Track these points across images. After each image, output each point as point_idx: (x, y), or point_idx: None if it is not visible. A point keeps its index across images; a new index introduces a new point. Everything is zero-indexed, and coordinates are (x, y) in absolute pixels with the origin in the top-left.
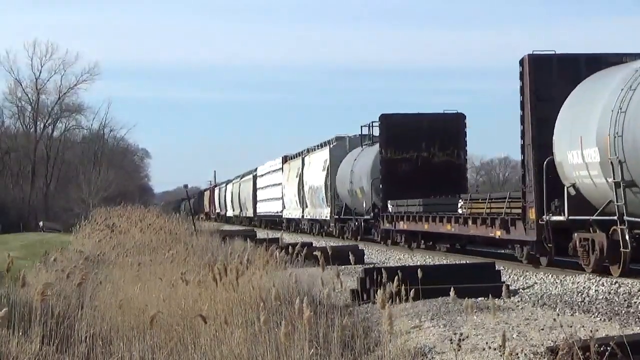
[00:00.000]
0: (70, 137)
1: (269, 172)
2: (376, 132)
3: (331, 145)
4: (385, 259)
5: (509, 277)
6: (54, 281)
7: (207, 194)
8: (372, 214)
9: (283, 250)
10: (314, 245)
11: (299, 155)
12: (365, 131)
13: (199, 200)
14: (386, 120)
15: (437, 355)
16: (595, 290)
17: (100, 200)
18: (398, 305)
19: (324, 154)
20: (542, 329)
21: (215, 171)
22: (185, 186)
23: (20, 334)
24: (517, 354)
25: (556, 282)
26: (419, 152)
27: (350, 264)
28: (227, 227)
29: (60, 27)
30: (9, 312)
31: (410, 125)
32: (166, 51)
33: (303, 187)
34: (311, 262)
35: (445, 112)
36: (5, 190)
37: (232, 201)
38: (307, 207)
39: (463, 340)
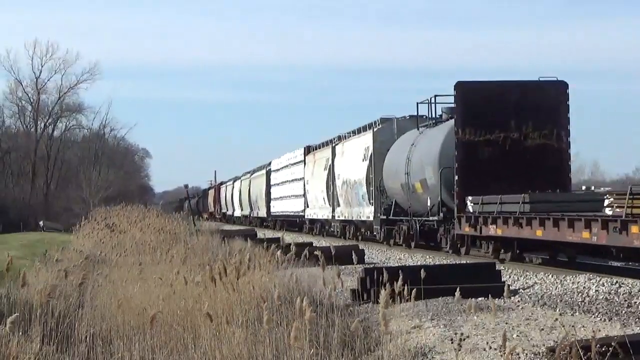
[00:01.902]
0: (70, 137)
1: (286, 166)
2: (439, 110)
3: (375, 129)
4: (386, 258)
5: (509, 277)
6: (54, 281)
7: (211, 192)
8: (440, 215)
9: (283, 250)
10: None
11: (328, 144)
12: (422, 110)
13: (203, 200)
14: (464, 89)
15: (437, 355)
16: (596, 291)
17: (100, 200)
18: (399, 305)
19: (364, 140)
20: (543, 329)
21: (215, 171)
22: (186, 186)
23: (20, 333)
24: (518, 353)
25: (556, 282)
26: (507, 132)
27: (353, 263)
28: (229, 227)
29: (60, 27)
30: (9, 312)
31: (496, 97)
32: (166, 51)
33: (334, 181)
34: (312, 262)
35: (542, 79)
36: (6, 190)
37: (240, 200)
38: (338, 205)
39: (463, 340)
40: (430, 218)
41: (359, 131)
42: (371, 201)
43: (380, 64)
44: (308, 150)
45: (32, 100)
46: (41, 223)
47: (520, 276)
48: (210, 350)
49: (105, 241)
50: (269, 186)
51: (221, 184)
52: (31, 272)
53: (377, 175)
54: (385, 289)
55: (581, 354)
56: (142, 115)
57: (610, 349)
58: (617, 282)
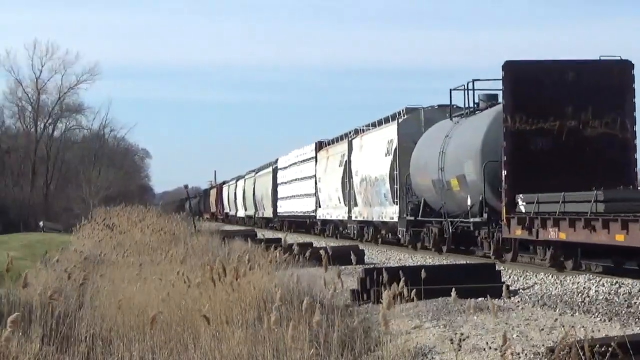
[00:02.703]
0: (70, 137)
1: (295, 163)
2: (476, 97)
3: (400, 120)
4: (386, 258)
5: (509, 277)
6: (55, 281)
7: (213, 192)
8: (483, 215)
9: (283, 250)
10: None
11: (344, 138)
12: (456, 98)
13: (204, 200)
14: (513, 70)
15: (437, 355)
16: (595, 291)
17: (100, 201)
18: (399, 306)
19: (387, 133)
20: (543, 329)
21: (215, 171)
22: (186, 186)
23: (20, 334)
24: (518, 354)
25: (556, 283)
26: (564, 119)
27: (352, 264)
28: (229, 227)
29: (60, 27)
30: (8, 312)
31: (551, 79)
32: (166, 51)
33: (351, 178)
34: (311, 262)
35: (603, 58)
36: (5, 190)
37: (244, 199)
38: (356, 205)
39: (463, 340)
40: (471, 219)
41: (379, 123)
42: (395, 200)
43: (380, 64)
44: (320, 145)
45: (32, 100)
46: (41, 223)
47: (520, 276)
48: (210, 350)
49: (105, 241)
50: (275, 185)
51: (223, 183)
52: (31, 273)
53: (402, 171)
54: (385, 290)
55: (580, 354)
56: (142, 116)
57: (609, 349)
58: (617, 282)
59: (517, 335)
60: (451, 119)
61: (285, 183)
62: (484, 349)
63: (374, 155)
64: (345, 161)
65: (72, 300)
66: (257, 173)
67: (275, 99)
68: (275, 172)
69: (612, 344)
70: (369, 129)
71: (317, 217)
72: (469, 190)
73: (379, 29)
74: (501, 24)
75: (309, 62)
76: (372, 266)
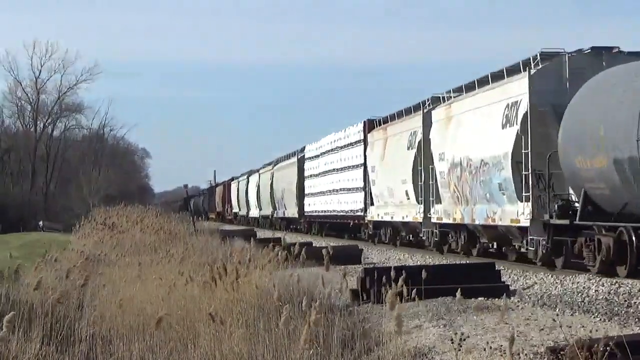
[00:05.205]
0: (70, 137)
1: (332, 150)
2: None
3: (531, 72)
4: (385, 258)
5: (509, 277)
6: (55, 281)
7: (219, 190)
8: None
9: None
10: None
11: (418, 109)
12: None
13: (209, 198)
14: None
15: (437, 355)
16: (595, 291)
17: (100, 200)
18: (399, 305)
19: (506, 92)
20: (542, 329)
21: (215, 171)
22: (185, 186)
23: (21, 334)
24: (518, 353)
25: (556, 282)
26: None
27: (351, 263)
28: (229, 227)
29: (60, 27)
30: (8, 312)
31: None
32: (166, 51)
33: (430, 165)
34: (311, 261)
35: None
36: (5, 189)
37: (258, 197)
38: (438, 202)
39: (463, 340)
40: None
41: (480, 84)
42: (525, 194)
43: (380, 64)
44: (372, 124)
45: (31, 100)
46: (40, 223)
47: (520, 276)
48: (210, 350)
49: (105, 241)
50: (302, 178)
51: (232, 179)
52: (31, 272)
53: (537, 148)
54: (386, 290)
55: (579, 353)
56: (142, 115)
57: (608, 349)
58: (616, 282)
59: (516, 335)
60: None
61: (317, 175)
62: (484, 349)
63: (478, 129)
64: (419, 141)
65: (72, 300)
66: (274, 166)
67: (275, 99)
68: (301, 162)
69: (610, 343)
70: (461, 95)
71: (368, 218)
72: None
73: (379, 28)
74: (501, 24)
75: (309, 62)
76: (371, 266)
